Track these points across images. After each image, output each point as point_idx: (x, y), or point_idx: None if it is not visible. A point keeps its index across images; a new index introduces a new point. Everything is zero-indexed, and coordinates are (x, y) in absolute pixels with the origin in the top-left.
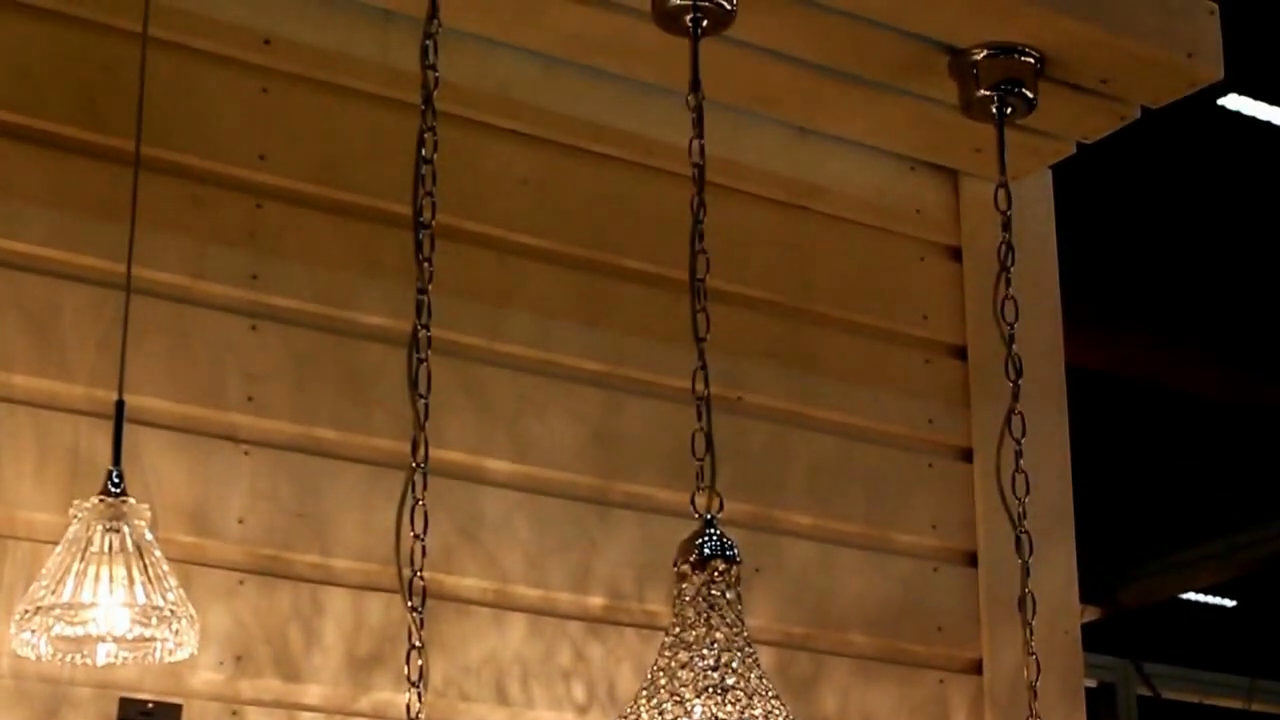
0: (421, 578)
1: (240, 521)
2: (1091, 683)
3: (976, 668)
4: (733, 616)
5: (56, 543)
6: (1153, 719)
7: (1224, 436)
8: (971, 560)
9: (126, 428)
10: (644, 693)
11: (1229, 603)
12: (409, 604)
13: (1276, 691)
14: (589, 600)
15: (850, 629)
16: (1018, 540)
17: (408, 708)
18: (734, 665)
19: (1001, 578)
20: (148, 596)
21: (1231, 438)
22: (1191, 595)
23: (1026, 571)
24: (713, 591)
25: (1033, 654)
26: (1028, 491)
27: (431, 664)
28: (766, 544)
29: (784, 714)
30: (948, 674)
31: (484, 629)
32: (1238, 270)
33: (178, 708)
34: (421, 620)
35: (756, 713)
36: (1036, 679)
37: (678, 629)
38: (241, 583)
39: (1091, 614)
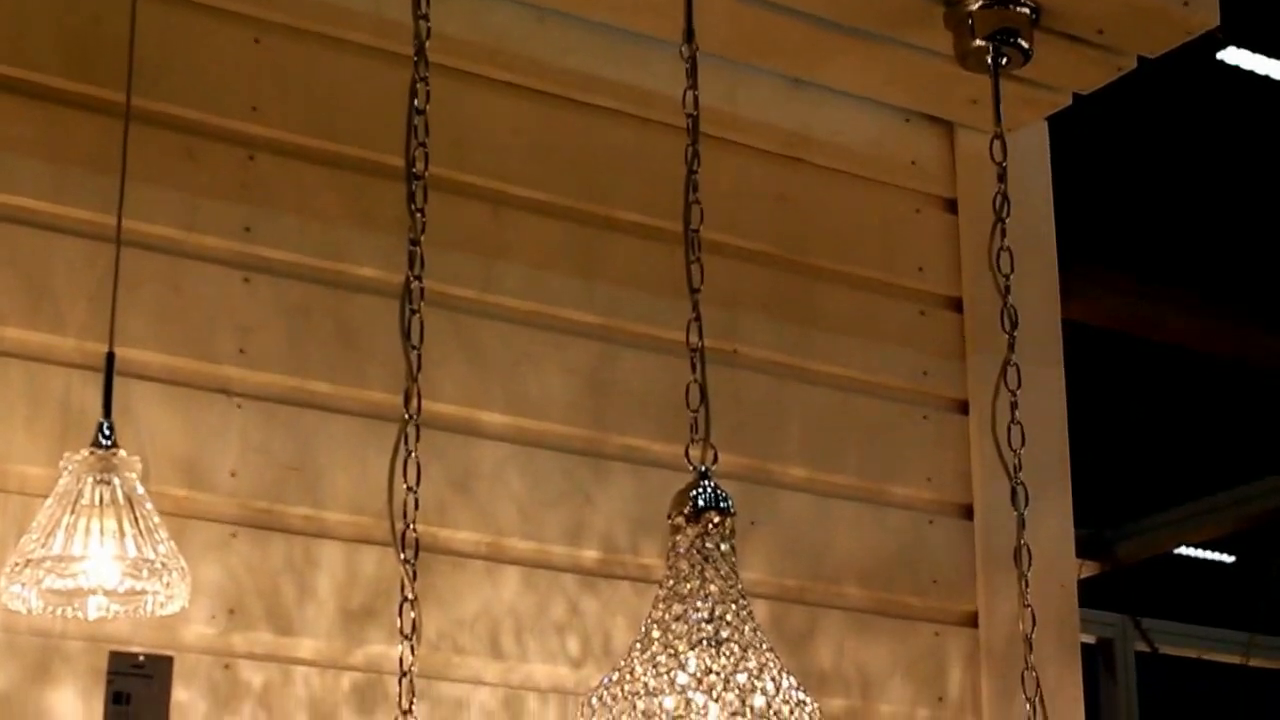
0: (414, 530)
1: (232, 474)
2: (1089, 638)
3: (972, 620)
4: (727, 569)
5: (47, 496)
6: (1151, 674)
7: (1222, 391)
8: (967, 513)
9: (118, 381)
10: (638, 645)
11: (1228, 558)
12: (402, 556)
13: (1274, 647)
14: (583, 553)
15: (845, 582)
16: (1013, 492)
17: (400, 660)
18: (728, 618)
19: (997, 530)
20: (139, 549)
21: (1230, 392)
22: (1190, 551)
23: (1022, 523)
24: (707, 544)
25: (1028, 606)
26: (1023, 443)
27: (425, 617)
28: (761, 497)
29: (778, 667)
30: (943, 627)
31: (478, 582)
32: (1237, 224)
33: (169, 660)
34: (414, 572)
35: (751, 665)
36: (1032, 631)
37: (672, 581)
38: (234, 536)
39: (1089, 569)
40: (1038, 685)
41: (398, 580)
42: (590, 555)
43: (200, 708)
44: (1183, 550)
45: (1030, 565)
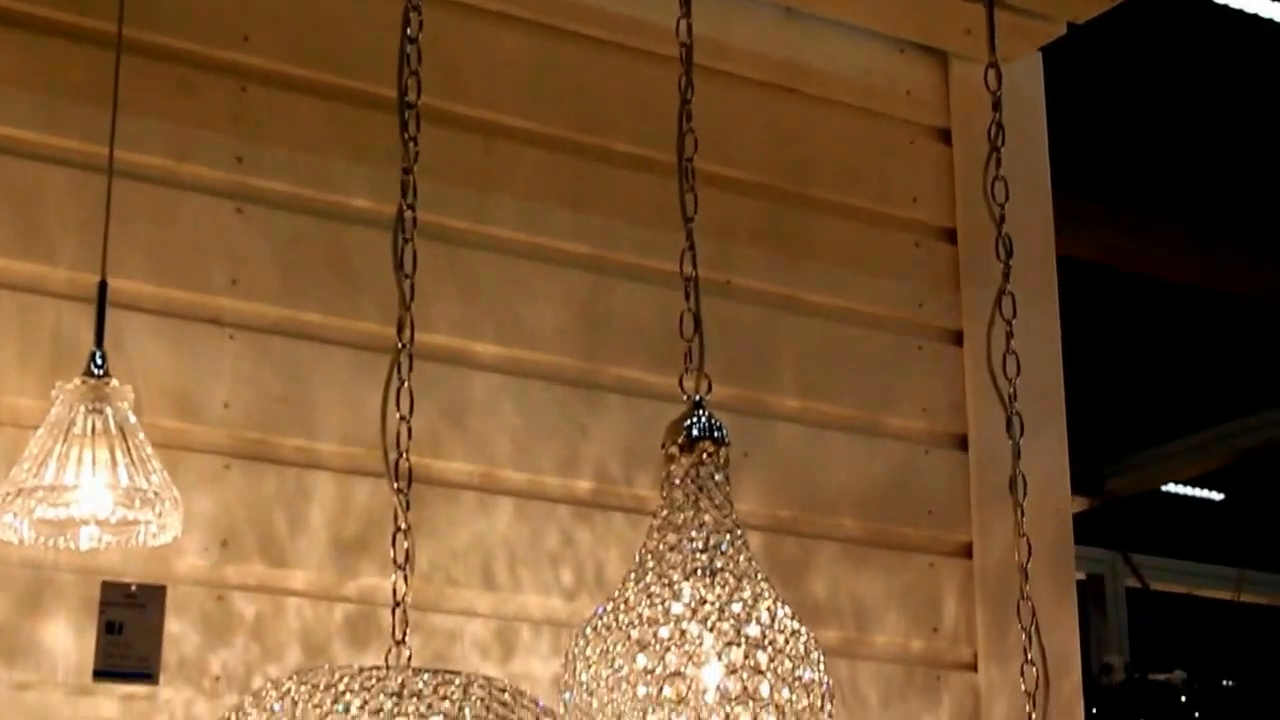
0: (407, 460)
1: (225, 406)
2: (1080, 574)
3: (966, 551)
4: (721, 498)
5: (39, 427)
6: (1141, 610)
7: (1213, 326)
8: (962, 443)
9: (110, 312)
10: (632, 575)
11: (1217, 495)
12: (395, 486)
13: (1265, 583)
14: (576, 484)
15: (839, 513)
16: (1009, 421)
17: (394, 591)
18: (723, 548)
19: (992, 461)
20: (131, 479)
21: (1220, 328)
22: (1180, 489)
23: (1017, 452)
24: (701, 473)
25: (1024, 536)
26: (1018, 372)
27: (418, 548)
28: (755, 428)
29: (773, 597)
30: (938, 557)
31: (471, 513)
32: (1228, 161)
33: (162, 590)
34: (407, 502)
35: (745, 595)
36: (1027, 560)
37: (665, 511)
38: (227, 467)
39: (1080, 505)
40: (1033, 615)
41: (391, 511)
42: (584, 486)
43: (193, 639)
44: (1172, 488)
45: (1026, 495)
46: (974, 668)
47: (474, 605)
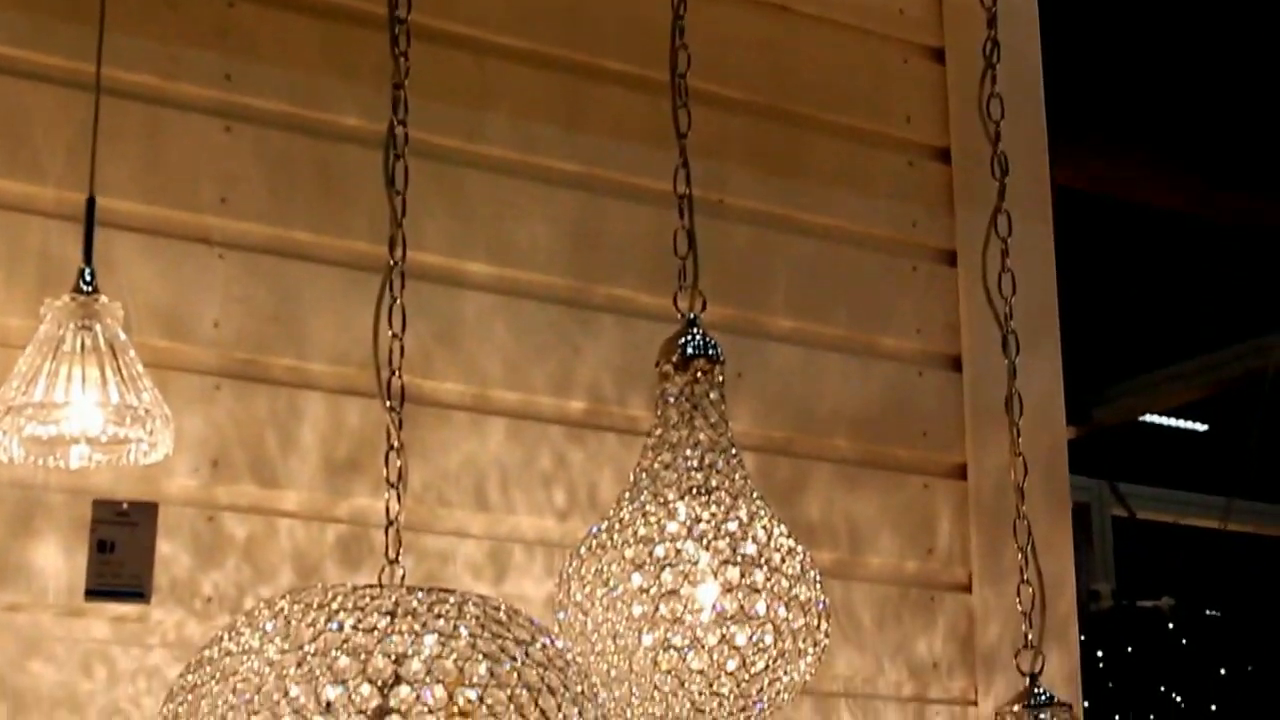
0: (400, 378)
1: (215, 325)
2: None
3: (961, 472)
4: (716, 417)
5: (27, 346)
6: (1128, 538)
7: (1201, 255)
8: (956, 364)
9: (98, 231)
10: (626, 495)
11: (1200, 426)
12: (387, 404)
13: (1253, 511)
14: (569, 404)
15: (833, 434)
16: (1004, 340)
17: (387, 510)
18: (718, 466)
19: (986, 381)
20: (121, 396)
21: (1208, 256)
22: (1163, 420)
23: (1013, 371)
24: (696, 391)
25: (1020, 455)
26: (1014, 291)
27: (410, 469)
28: (749, 348)
29: (769, 515)
30: (932, 479)
31: (463, 434)
32: (1214, 87)
33: (153, 507)
34: (400, 421)
35: (741, 514)
36: (1024, 480)
37: (660, 430)
38: (217, 387)
39: (1066, 434)
40: (1029, 534)
41: (383, 431)
42: (577, 406)
43: (184, 561)
44: (1156, 419)
45: (1021, 415)
46: (968, 589)
47: (466, 526)
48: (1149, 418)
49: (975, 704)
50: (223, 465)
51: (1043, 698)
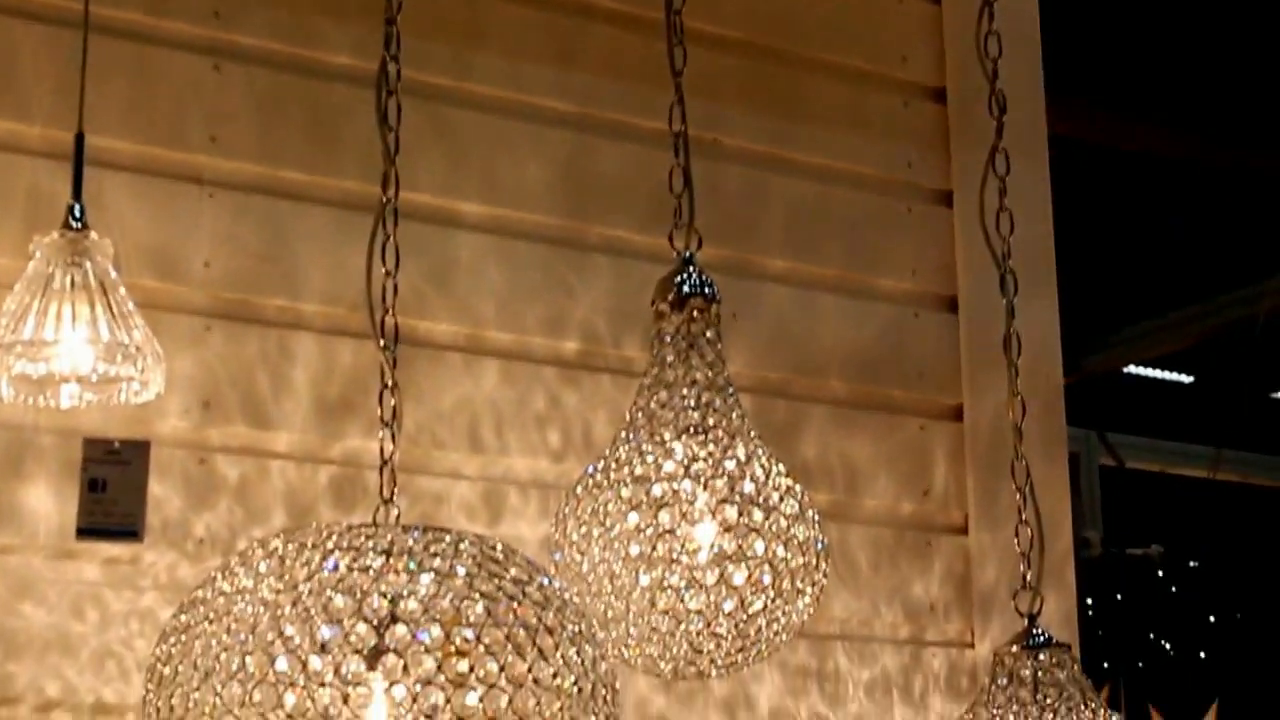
0: (393, 316)
1: (205, 265)
2: None
3: (957, 414)
4: (713, 356)
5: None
6: (1116, 488)
7: (1188, 203)
8: (952, 306)
9: (87, 170)
10: (623, 434)
11: (1186, 378)
12: (381, 343)
13: (1243, 462)
14: (563, 345)
15: (829, 375)
16: (1002, 280)
17: (381, 450)
18: (715, 405)
19: (982, 323)
20: (112, 333)
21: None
22: (1149, 371)
23: (1011, 311)
24: (692, 330)
25: (1018, 395)
26: (1012, 230)
27: (404, 410)
28: (743, 289)
29: (766, 454)
30: (928, 420)
31: (457, 375)
32: (1194, 32)
33: (145, 445)
34: (394, 360)
35: (739, 453)
36: (1021, 419)
37: (656, 369)
38: (208, 328)
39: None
40: (1027, 475)
41: (375, 371)
42: (570, 347)
43: (175, 502)
44: (1141, 370)
45: (1020, 355)
46: (965, 531)
47: (460, 468)
48: (1133, 369)
49: (972, 646)
50: (214, 406)
51: (1041, 638)
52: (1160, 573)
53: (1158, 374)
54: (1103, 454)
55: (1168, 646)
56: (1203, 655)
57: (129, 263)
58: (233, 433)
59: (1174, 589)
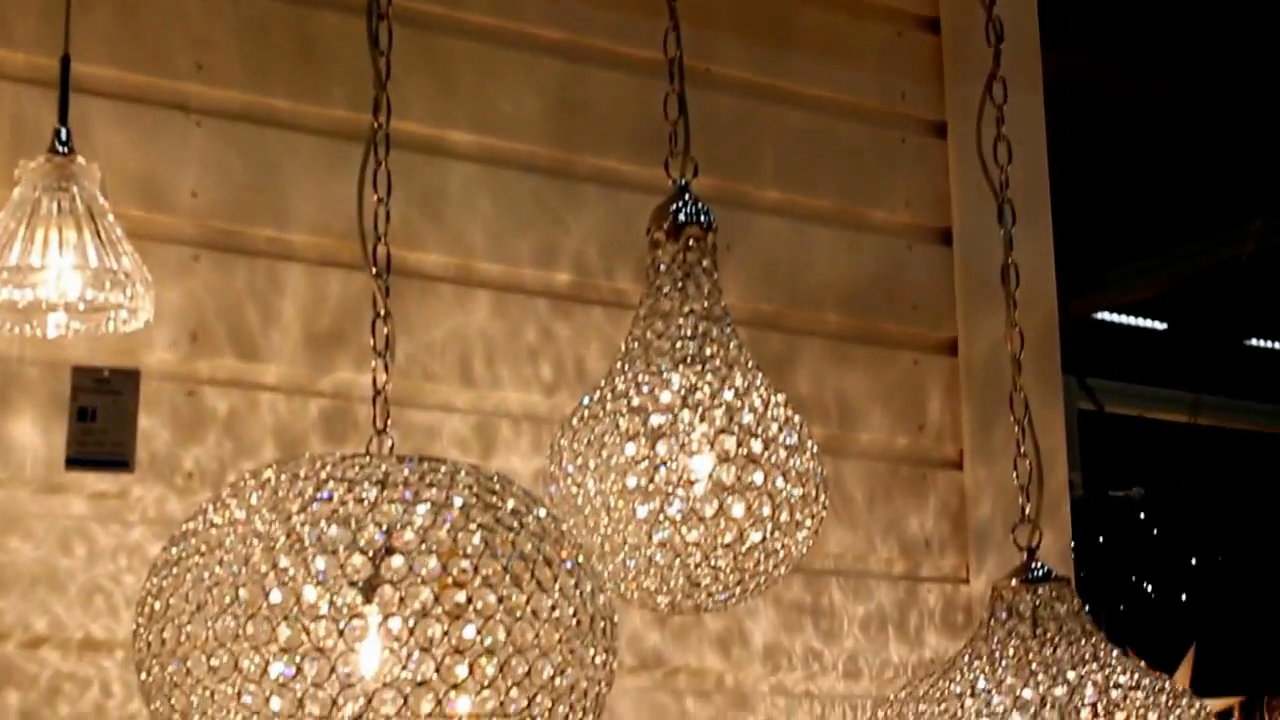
0: (386, 243)
1: (193, 195)
2: None
3: (952, 348)
4: (709, 285)
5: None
6: (1094, 432)
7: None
8: (946, 238)
9: (73, 98)
10: (618, 365)
11: (1160, 325)
12: (373, 271)
13: (1220, 406)
14: (555, 277)
15: (823, 308)
16: (1000, 210)
17: (374, 380)
18: (712, 335)
19: (977, 256)
20: (101, 259)
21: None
22: (1130, 319)
23: (1009, 241)
24: (688, 259)
25: (1016, 326)
26: (1010, 159)
27: (395, 343)
28: (736, 220)
29: (765, 385)
30: (922, 354)
31: (447, 307)
32: None
33: (135, 374)
34: (387, 289)
35: (737, 383)
36: (1020, 351)
37: (651, 299)
38: (195, 258)
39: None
40: (1026, 407)
41: (366, 303)
42: (562, 279)
43: (163, 435)
44: (1118, 318)
45: (1018, 286)
46: (959, 466)
47: (452, 400)
48: (1109, 316)
49: (967, 582)
50: (202, 338)
51: (1040, 572)
52: (1141, 515)
53: (1133, 321)
54: (1082, 398)
55: (1149, 588)
56: (1184, 597)
57: (114, 192)
58: (221, 365)
59: (1156, 531)
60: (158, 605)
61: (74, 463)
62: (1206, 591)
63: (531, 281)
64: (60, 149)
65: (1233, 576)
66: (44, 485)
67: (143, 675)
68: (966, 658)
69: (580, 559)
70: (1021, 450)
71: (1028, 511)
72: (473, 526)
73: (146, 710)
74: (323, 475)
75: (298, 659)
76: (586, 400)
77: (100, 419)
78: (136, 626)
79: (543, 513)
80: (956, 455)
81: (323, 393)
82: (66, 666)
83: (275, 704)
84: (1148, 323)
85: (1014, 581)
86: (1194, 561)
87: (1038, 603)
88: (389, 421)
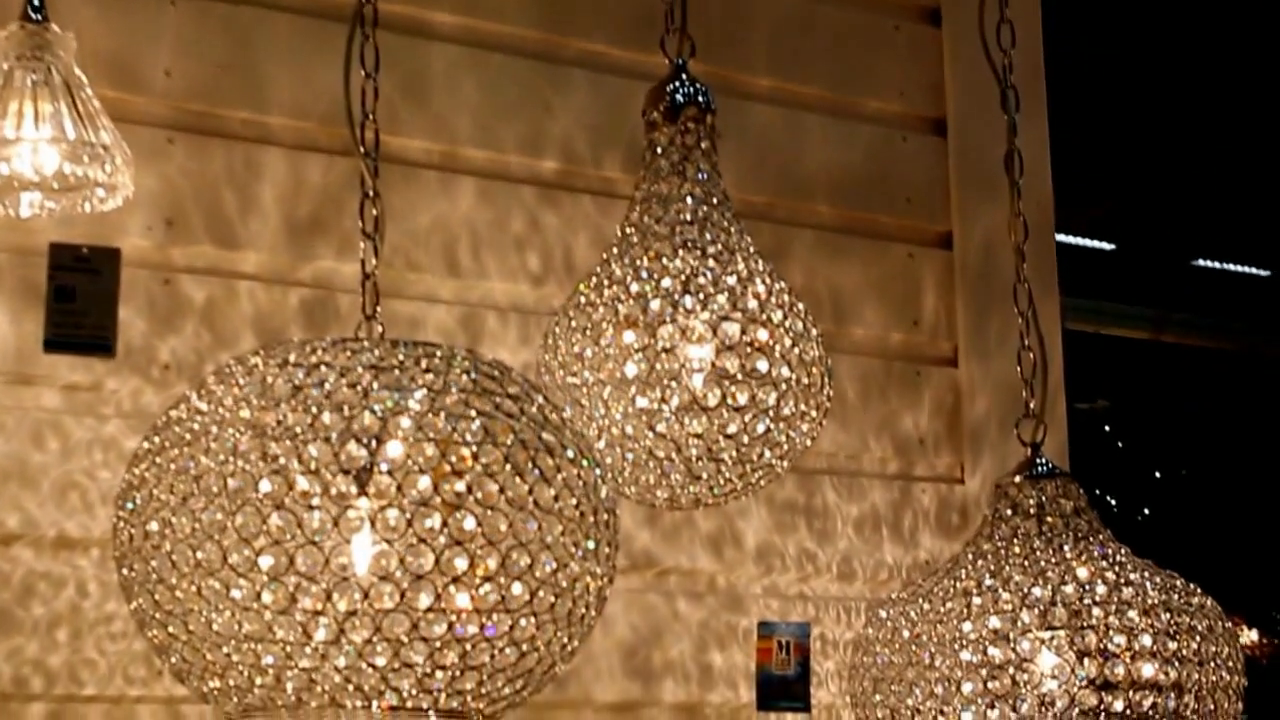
0: (374, 121)
1: (167, 74)
2: None
3: (946, 241)
4: (708, 169)
5: None
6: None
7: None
8: (940, 129)
9: None
10: (614, 250)
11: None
12: (361, 150)
13: (1190, 324)
14: (541, 164)
15: (815, 199)
16: (1003, 96)
17: (362, 265)
18: (713, 219)
19: (972, 147)
20: (79, 132)
21: None
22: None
23: (1014, 127)
24: (686, 142)
25: (1020, 215)
26: (1014, 44)
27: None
28: (727, 108)
29: (767, 270)
30: (917, 247)
31: (431, 194)
32: None
33: (116, 253)
34: (375, 168)
35: (739, 269)
36: (1024, 240)
37: (648, 183)
38: (170, 141)
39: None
40: (1030, 298)
41: (348, 189)
42: (549, 167)
43: (138, 325)
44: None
45: (1022, 174)
46: (954, 363)
47: (436, 291)
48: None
49: (962, 481)
50: (178, 225)
51: (1045, 468)
52: (1106, 427)
53: (1082, 241)
54: None
55: (1112, 502)
56: (1146, 511)
57: (87, 72)
58: (198, 252)
59: (1120, 444)
60: (139, 497)
61: (53, 345)
62: (1169, 507)
63: (518, 169)
64: (34, 16)
65: (1196, 492)
66: (15, 377)
67: (123, 571)
68: (970, 556)
69: (583, 448)
70: (1025, 342)
71: (1032, 406)
72: (472, 413)
73: (126, 608)
74: (314, 360)
75: (289, 551)
76: (582, 287)
77: (80, 300)
78: (116, 520)
79: (543, 400)
80: (951, 352)
81: (303, 282)
82: (40, 565)
83: (265, 598)
84: (1095, 243)
85: (1018, 477)
86: (1157, 476)
87: (1043, 499)
88: (377, 308)
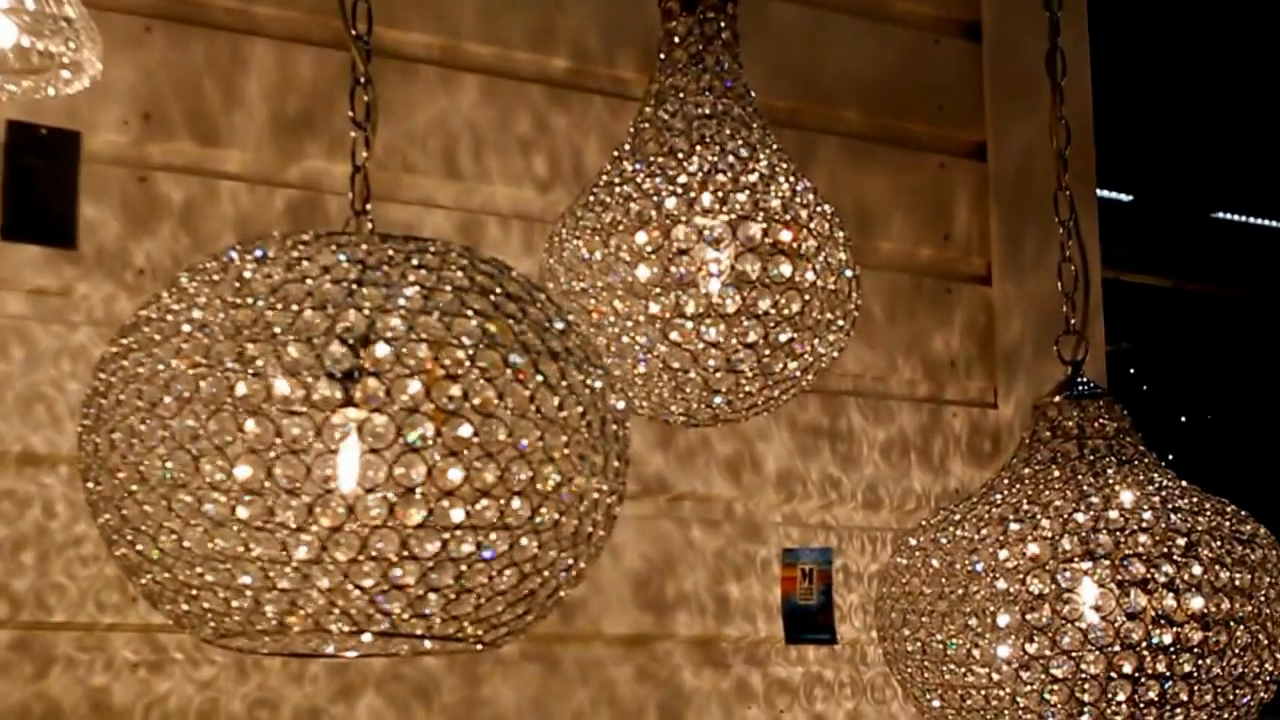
0: (369, 4)
1: None
2: None
3: (980, 151)
4: (729, 60)
5: None
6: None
7: None
8: (974, 33)
9: None
10: (627, 147)
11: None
12: (353, 32)
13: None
14: (550, 62)
15: (842, 105)
16: None
17: (353, 156)
18: (733, 114)
19: (1008, 52)
20: (40, 3)
21: None
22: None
23: (1056, 26)
24: (705, 31)
25: (1062, 120)
26: None
27: (372, 127)
28: (748, 6)
29: (792, 169)
30: (949, 157)
31: (431, 92)
32: None
33: (76, 136)
34: (369, 52)
35: (761, 167)
36: (1066, 146)
37: (664, 76)
38: (148, 29)
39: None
40: (1072, 208)
41: (338, 86)
42: (559, 65)
43: (112, 227)
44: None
45: (1064, 75)
46: (987, 281)
47: (434, 195)
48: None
49: (995, 406)
50: (155, 119)
51: (1087, 389)
52: (1131, 370)
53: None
54: None
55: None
56: (1171, 457)
57: None
58: (177, 149)
59: (1145, 387)
60: (105, 403)
61: (9, 234)
62: (1194, 451)
63: (525, 66)
64: None
65: (1221, 438)
66: None
67: (89, 484)
68: (1006, 480)
69: (589, 353)
70: (1066, 254)
71: (1073, 322)
72: (468, 312)
73: (94, 525)
74: (294, 255)
75: (268, 461)
76: (592, 185)
77: (39, 185)
78: (81, 430)
79: (546, 300)
80: (984, 269)
81: (290, 182)
82: (4, 483)
83: (242, 513)
84: (1112, 194)
85: (1058, 398)
86: (1183, 420)
87: (1085, 420)
88: (368, 205)
